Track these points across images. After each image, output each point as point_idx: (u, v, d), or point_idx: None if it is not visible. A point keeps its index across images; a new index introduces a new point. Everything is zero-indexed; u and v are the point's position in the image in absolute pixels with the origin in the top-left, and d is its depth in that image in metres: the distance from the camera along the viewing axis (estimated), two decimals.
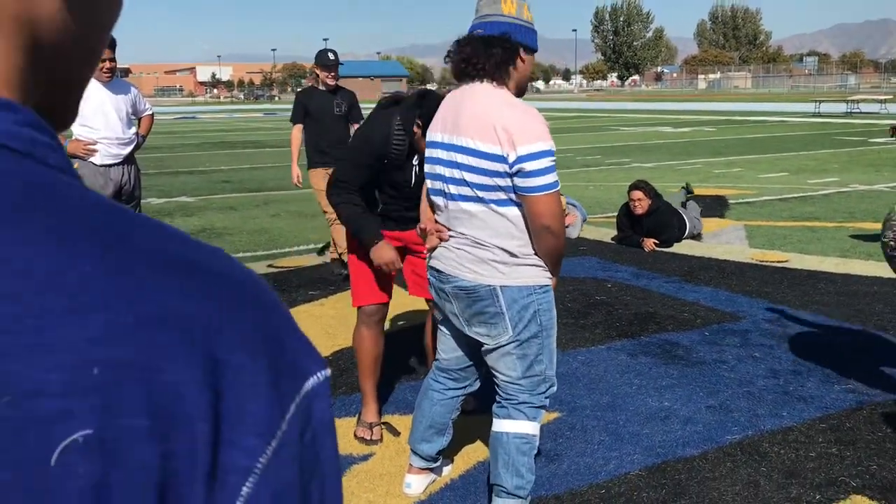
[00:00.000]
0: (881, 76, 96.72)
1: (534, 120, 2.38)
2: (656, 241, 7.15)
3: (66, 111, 0.47)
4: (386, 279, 3.41)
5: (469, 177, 2.45)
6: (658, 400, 3.86)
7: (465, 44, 2.46)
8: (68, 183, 0.39)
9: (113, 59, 5.19)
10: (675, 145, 18.80)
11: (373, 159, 3.14)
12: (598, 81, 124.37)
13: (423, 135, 2.90)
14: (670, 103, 49.58)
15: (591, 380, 4.13)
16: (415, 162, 3.22)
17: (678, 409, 3.75)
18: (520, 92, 2.52)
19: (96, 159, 5.28)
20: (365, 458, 3.33)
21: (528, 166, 2.34)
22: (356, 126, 6.18)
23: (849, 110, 33.12)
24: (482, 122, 2.39)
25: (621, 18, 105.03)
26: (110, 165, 5.32)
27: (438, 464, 3.03)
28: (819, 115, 31.67)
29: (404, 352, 4.57)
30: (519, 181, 2.37)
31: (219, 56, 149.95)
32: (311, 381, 0.42)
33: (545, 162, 2.36)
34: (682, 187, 8.19)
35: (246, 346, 0.39)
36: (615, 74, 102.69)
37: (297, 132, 6.30)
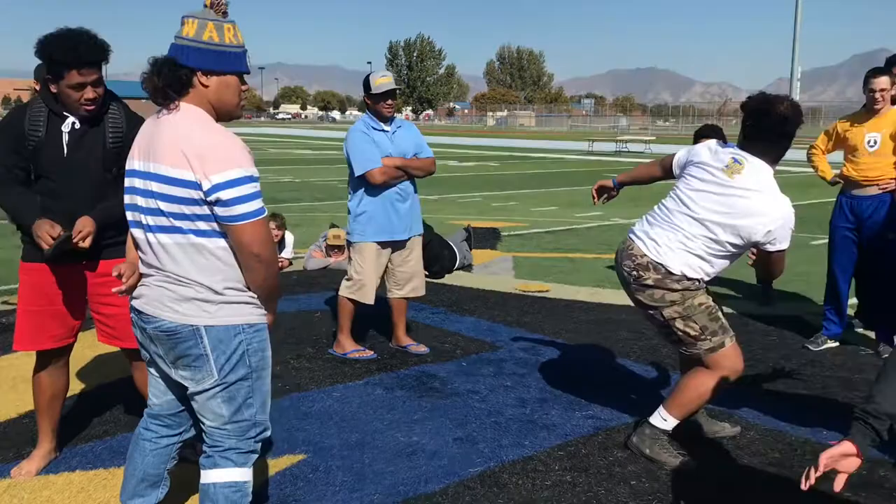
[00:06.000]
0: (648, 119, 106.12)
1: (229, 145, 2.26)
2: (427, 273, 7.22)
3: None
4: (62, 319, 3.25)
5: (164, 206, 2.28)
6: (408, 435, 3.82)
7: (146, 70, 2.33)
8: None
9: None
10: (460, 179, 19.41)
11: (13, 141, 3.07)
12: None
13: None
14: (460, 138, 51.37)
15: (343, 417, 4.02)
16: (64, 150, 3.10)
17: (426, 443, 3.72)
18: (224, 115, 2.39)
19: None
20: None
21: (226, 195, 2.21)
22: None
23: (618, 149, 35.93)
24: (174, 146, 2.25)
25: (415, 54, 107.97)
26: None
27: None
28: (592, 153, 34.07)
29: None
30: (220, 211, 2.24)
31: None
32: None
33: (246, 188, 2.24)
34: (464, 229, 8.47)
35: None
36: (409, 108, 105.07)
37: None
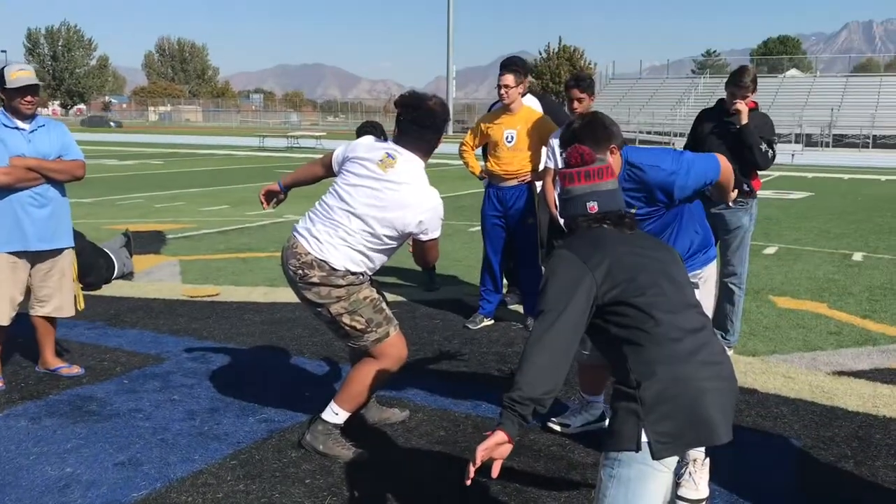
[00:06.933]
0: (319, 115, 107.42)
1: None
2: (81, 286, 6.59)
3: None
4: None
5: None
6: (60, 467, 3.43)
7: None
8: None
9: None
10: (118, 179, 18.06)
11: None
12: (39, 109, 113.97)
13: None
14: (119, 135, 47.87)
15: None
16: None
17: (82, 473, 3.37)
18: None
19: None
20: None
21: None
22: None
23: (290, 145, 35.96)
24: None
25: (60, 43, 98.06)
26: None
27: None
28: (264, 149, 33.70)
29: None
30: None
31: None
32: None
33: None
34: (123, 234, 7.81)
35: None
36: (57, 102, 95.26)
37: None
